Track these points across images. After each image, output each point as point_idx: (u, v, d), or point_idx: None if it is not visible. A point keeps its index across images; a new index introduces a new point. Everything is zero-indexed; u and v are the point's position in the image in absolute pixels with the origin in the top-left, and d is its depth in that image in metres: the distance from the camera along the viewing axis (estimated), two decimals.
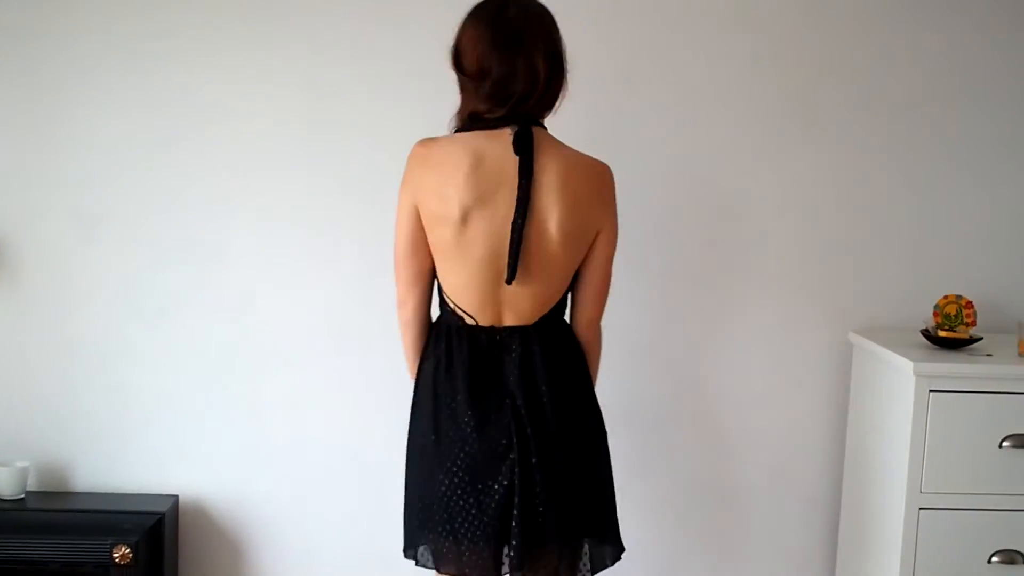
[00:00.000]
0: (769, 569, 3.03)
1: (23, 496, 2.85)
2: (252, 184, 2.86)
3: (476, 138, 2.14)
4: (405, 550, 2.29)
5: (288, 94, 2.84)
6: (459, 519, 2.15)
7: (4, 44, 2.81)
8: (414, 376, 2.30)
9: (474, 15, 2.17)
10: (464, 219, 2.10)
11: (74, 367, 2.91)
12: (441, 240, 2.15)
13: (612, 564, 2.29)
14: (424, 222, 2.17)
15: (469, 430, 2.14)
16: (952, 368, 2.49)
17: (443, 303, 2.23)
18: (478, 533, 2.14)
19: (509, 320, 2.18)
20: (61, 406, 2.91)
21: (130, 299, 2.89)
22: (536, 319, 2.20)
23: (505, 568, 2.17)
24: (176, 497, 2.93)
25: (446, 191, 2.11)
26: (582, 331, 2.30)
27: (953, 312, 2.67)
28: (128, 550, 2.67)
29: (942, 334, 2.65)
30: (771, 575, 3.03)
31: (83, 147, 2.85)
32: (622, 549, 2.30)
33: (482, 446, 2.14)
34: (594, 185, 2.21)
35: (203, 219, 2.87)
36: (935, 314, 2.69)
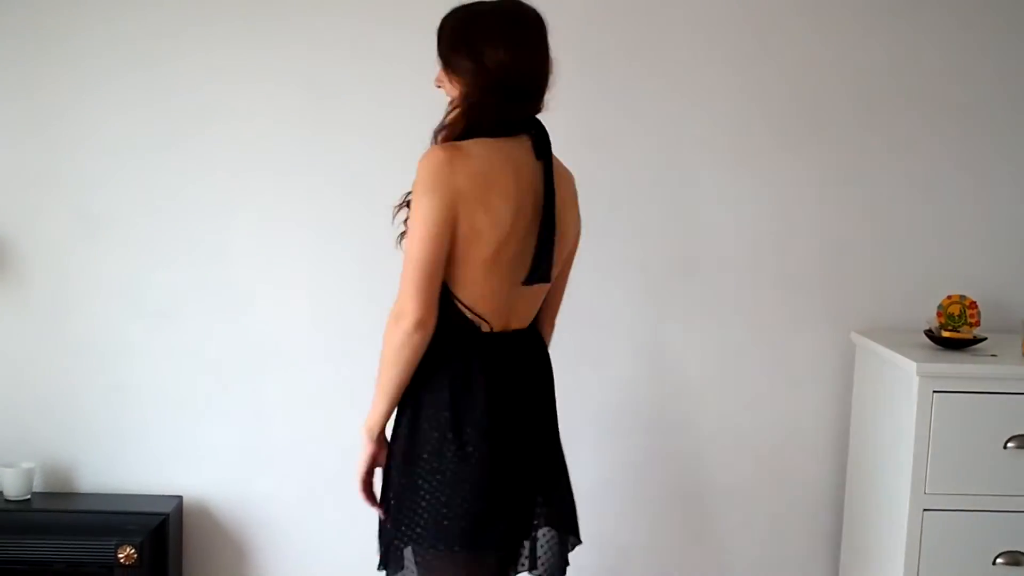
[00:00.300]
0: (771, 571, 3.01)
1: (29, 497, 2.86)
2: (252, 184, 2.86)
3: (508, 144, 2.07)
4: (388, 565, 2.18)
5: (288, 94, 2.84)
6: (481, 529, 2.10)
7: (3, 43, 2.81)
8: (395, 396, 2.13)
9: (490, 13, 2.10)
10: (513, 229, 2.04)
11: (78, 368, 2.91)
12: (480, 251, 2.04)
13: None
14: (461, 233, 2.04)
15: (494, 440, 2.09)
16: (956, 368, 2.47)
17: (455, 312, 2.11)
18: (493, 541, 2.12)
19: (515, 324, 2.16)
20: (66, 407, 2.92)
21: (133, 299, 2.89)
22: (530, 321, 2.20)
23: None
24: (180, 498, 2.94)
25: (494, 201, 2.02)
26: (547, 328, 2.32)
27: (957, 312, 2.65)
28: (132, 550, 2.69)
29: (946, 334, 2.63)
30: None
31: (83, 147, 2.85)
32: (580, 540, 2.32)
33: (506, 453, 2.10)
34: (574, 189, 2.23)
35: (203, 219, 2.87)
36: (939, 314, 2.67)
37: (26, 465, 2.87)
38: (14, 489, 2.84)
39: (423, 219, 2.03)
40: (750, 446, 2.97)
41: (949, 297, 2.67)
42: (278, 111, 2.84)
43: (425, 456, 2.12)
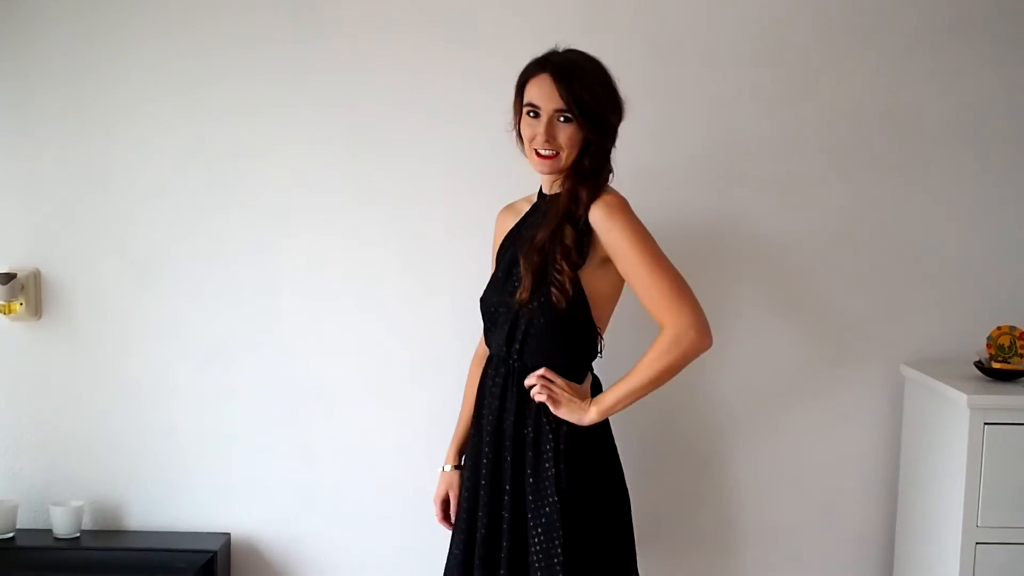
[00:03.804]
0: None
1: (78, 535, 2.87)
2: (297, 225, 2.89)
3: None
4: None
5: (334, 136, 2.87)
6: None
7: (54, 89, 2.86)
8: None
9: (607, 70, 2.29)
10: None
11: (127, 407, 2.94)
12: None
13: None
14: None
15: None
16: (1007, 400, 2.46)
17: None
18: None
19: None
20: (115, 446, 2.94)
21: (181, 341, 2.92)
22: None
23: None
24: (228, 535, 2.94)
25: None
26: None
27: (1007, 343, 2.64)
28: None
29: (996, 366, 2.62)
30: None
31: (130, 190, 2.89)
32: None
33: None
34: None
35: (249, 260, 2.90)
36: (988, 345, 2.66)
37: (75, 503, 2.89)
38: (63, 527, 2.85)
39: (654, 242, 2.24)
40: (797, 481, 2.94)
41: (999, 328, 2.66)
42: (323, 153, 2.87)
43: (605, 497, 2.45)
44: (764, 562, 2.97)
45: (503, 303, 2.34)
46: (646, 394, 2.29)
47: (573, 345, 2.33)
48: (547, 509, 2.26)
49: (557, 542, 2.23)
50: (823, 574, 2.97)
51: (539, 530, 2.26)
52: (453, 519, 2.52)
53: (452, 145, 2.85)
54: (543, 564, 2.25)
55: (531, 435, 2.31)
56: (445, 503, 2.58)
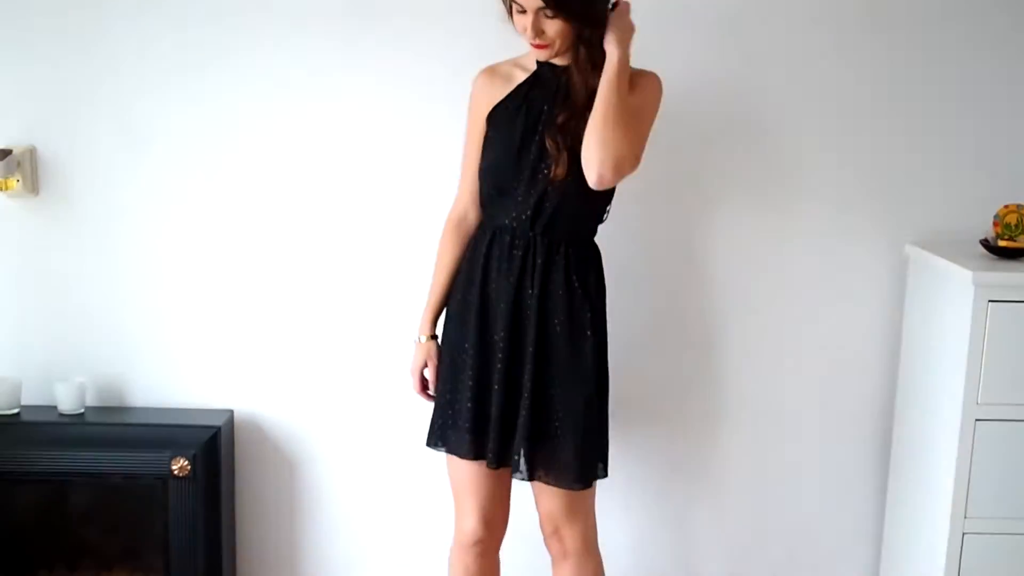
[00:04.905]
0: (820, 485, 3.02)
1: (82, 411, 2.89)
2: (296, 97, 2.84)
3: None
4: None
5: (331, 11, 2.80)
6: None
7: None
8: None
9: None
10: None
11: (128, 284, 2.93)
12: None
13: None
14: None
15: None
16: (1012, 277, 2.46)
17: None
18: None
19: None
20: (117, 323, 2.94)
21: (181, 217, 2.90)
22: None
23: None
24: (231, 412, 2.97)
25: None
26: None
27: (1014, 222, 2.62)
28: (186, 462, 2.72)
29: (1002, 244, 2.61)
30: (822, 491, 3.03)
31: (129, 66, 2.83)
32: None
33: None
34: None
35: (252, 135, 2.86)
36: (995, 224, 2.65)
37: (79, 380, 2.90)
38: (68, 403, 2.87)
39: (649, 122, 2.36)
40: (799, 360, 2.95)
41: (1006, 206, 2.63)
42: (322, 30, 2.81)
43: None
44: (764, 439, 3.00)
45: (521, 175, 2.34)
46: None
47: (595, 215, 2.42)
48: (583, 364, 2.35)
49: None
50: (822, 451, 3.01)
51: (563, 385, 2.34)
52: (432, 390, 2.55)
53: (451, 22, 2.79)
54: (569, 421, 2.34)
55: (563, 303, 2.34)
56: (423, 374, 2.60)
